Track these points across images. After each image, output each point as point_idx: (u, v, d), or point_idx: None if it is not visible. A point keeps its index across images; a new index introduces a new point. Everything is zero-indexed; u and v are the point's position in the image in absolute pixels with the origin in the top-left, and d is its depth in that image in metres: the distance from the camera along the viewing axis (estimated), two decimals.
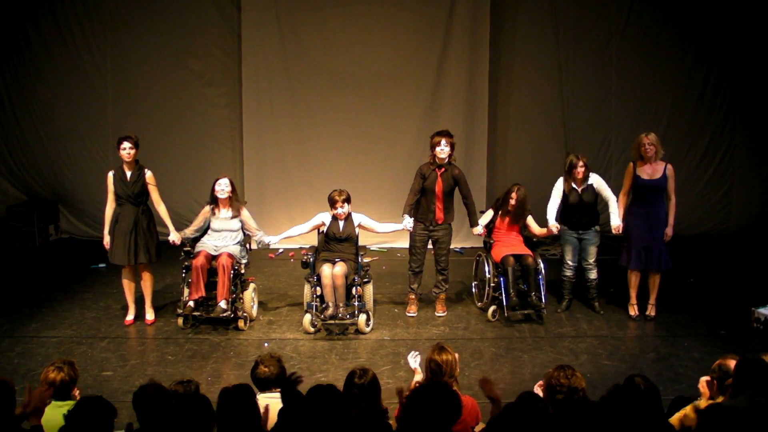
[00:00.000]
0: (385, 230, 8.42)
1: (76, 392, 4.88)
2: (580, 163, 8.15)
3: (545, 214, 8.31)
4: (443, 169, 8.09)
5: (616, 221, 8.13)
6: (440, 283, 8.47)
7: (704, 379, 4.92)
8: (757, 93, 11.50)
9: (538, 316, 8.26)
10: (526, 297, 8.13)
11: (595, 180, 8.26)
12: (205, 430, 3.89)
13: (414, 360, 5.45)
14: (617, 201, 8.17)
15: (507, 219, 8.45)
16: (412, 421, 3.88)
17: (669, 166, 7.99)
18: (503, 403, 4.30)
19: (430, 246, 8.41)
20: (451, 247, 8.58)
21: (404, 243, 9.07)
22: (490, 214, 8.56)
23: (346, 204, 8.01)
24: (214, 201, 8.13)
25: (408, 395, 4.03)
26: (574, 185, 8.22)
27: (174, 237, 8.05)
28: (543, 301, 8.14)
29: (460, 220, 8.98)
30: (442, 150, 8.02)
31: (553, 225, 8.18)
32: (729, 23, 11.29)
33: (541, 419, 3.93)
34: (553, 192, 8.33)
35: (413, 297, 8.49)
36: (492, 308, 8.22)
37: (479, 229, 8.39)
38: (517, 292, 8.08)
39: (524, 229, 8.64)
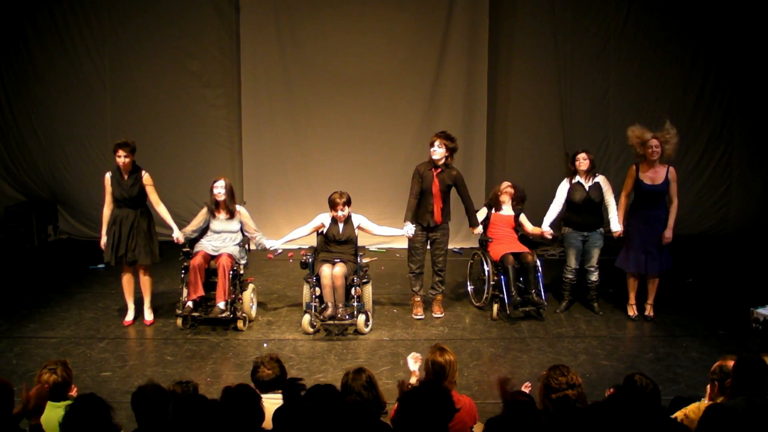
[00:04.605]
0: (384, 233, 8.43)
1: (74, 391, 4.88)
2: (583, 155, 8.17)
3: (545, 215, 8.35)
4: (440, 169, 8.10)
5: (616, 227, 8.17)
6: (437, 284, 8.47)
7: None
8: (755, 93, 11.52)
9: (538, 313, 8.28)
10: (525, 294, 8.16)
11: (603, 181, 8.27)
12: (205, 431, 3.90)
13: (414, 363, 5.38)
14: (618, 201, 8.19)
15: (504, 209, 8.60)
16: (408, 422, 3.88)
17: (671, 170, 7.98)
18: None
19: (428, 248, 8.42)
20: (450, 247, 8.58)
21: (403, 244, 9.07)
22: (484, 211, 8.59)
23: (346, 207, 8.01)
24: (214, 203, 8.12)
25: (402, 396, 4.02)
26: (580, 179, 8.22)
27: (177, 235, 8.00)
28: (543, 297, 8.16)
29: (459, 220, 9.01)
30: (435, 151, 8.05)
31: (547, 231, 8.29)
32: (727, 23, 11.31)
33: (537, 418, 3.93)
34: (557, 194, 8.36)
35: (418, 299, 8.47)
36: (495, 306, 8.23)
37: (480, 229, 8.42)
38: (517, 289, 8.11)
39: (519, 227, 8.68)
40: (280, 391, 4.80)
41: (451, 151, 8.10)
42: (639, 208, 8.07)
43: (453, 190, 8.25)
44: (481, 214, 8.62)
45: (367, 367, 4.73)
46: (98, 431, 3.83)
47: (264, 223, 9.79)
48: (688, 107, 11.65)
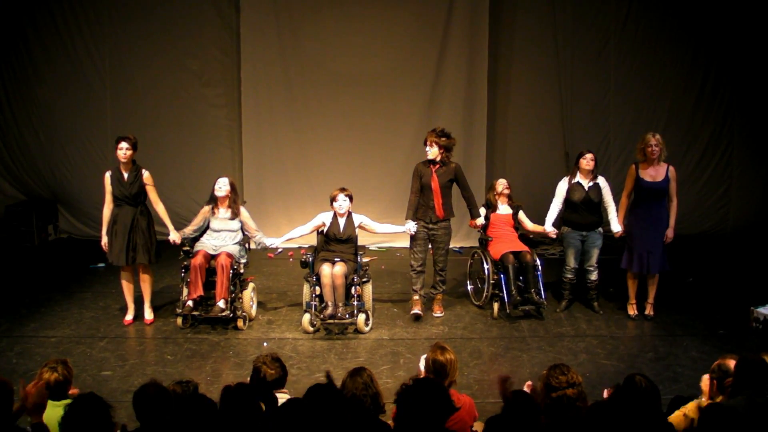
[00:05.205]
0: (385, 231, 8.45)
1: (76, 391, 4.89)
2: (590, 155, 8.19)
3: (545, 214, 8.36)
4: (438, 165, 8.11)
5: (616, 227, 8.18)
6: (437, 284, 8.47)
7: (707, 377, 4.92)
8: (755, 93, 11.52)
9: (538, 312, 8.28)
10: (525, 293, 8.16)
11: (602, 182, 8.28)
12: (205, 430, 3.89)
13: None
14: (619, 202, 8.20)
15: (501, 209, 8.63)
16: (406, 420, 3.88)
17: (671, 168, 7.99)
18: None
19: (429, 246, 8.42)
20: (450, 246, 8.58)
21: (403, 243, 9.08)
22: (482, 212, 8.59)
23: (347, 200, 8.03)
24: (214, 200, 8.14)
25: (399, 394, 4.02)
26: (580, 179, 8.22)
27: (174, 236, 8.04)
28: (543, 296, 8.17)
29: (459, 219, 9.00)
30: (428, 151, 8.07)
31: (552, 231, 8.31)
32: (727, 23, 11.32)
33: (537, 417, 3.94)
34: (556, 192, 8.36)
35: (417, 298, 8.44)
36: (496, 306, 8.24)
37: (481, 220, 8.40)
38: (517, 288, 8.11)
39: (518, 224, 8.69)
40: (280, 390, 4.82)
41: (445, 148, 8.10)
42: (639, 206, 8.07)
43: (454, 186, 8.28)
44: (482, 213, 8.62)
45: (367, 366, 4.73)
46: (97, 430, 3.84)
47: (264, 222, 9.80)
48: (688, 107, 11.67)
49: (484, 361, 7.24)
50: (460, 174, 8.24)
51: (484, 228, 8.66)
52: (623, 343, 7.67)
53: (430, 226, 8.20)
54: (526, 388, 4.68)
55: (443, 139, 8.06)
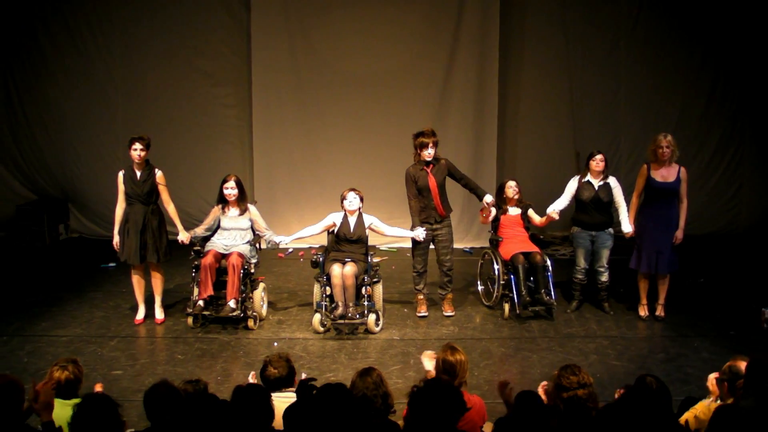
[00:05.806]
0: (395, 234, 8.42)
1: (100, 386, 4.93)
2: (600, 156, 8.17)
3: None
4: (431, 166, 8.11)
5: (627, 227, 8.15)
6: (445, 284, 8.45)
7: (713, 376, 4.90)
8: (765, 94, 11.46)
9: (548, 313, 8.26)
10: (535, 294, 8.14)
11: (613, 182, 8.26)
12: (215, 430, 3.90)
13: (429, 361, 5.36)
14: (630, 202, 8.18)
15: (511, 211, 8.61)
16: (418, 420, 3.88)
17: (682, 169, 7.97)
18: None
19: (431, 246, 8.41)
20: (461, 247, 8.57)
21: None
22: (493, 211, 8.56)
23: (357, 199, 8.03)
24: (223, 200, 8.15)
25: (412, 394, 4.03)
26: (590, 179, 8.21)
27: (182, 236, 8.06)
28: (553, 297, 8.14)
29: (470, 220, 8.98)
30: (429, 154, 8.07)
31: (553, 212, 8.27)
32: (737, 23, 11.28)
33: (546, 418, 3.93)
34: (566, 188, 8.35)
35: (421, 297, 8.47)
36: (506, 306, 8.23)
37: (490, 198, 8.33)
38: (527, 289, 8.09)
39: (528, 222, 8.66)
40: (288, 389, 4.82)
41: (436, 145, 8.17)
42: (650, 206, 8.04)
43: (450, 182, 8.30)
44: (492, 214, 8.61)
45: (377, 366, 4.73)
46: (106, 430, 3.85)
47: (275, 222, 9.80)
48: (698, 107, 11.63)
49: (495, 361, 7.23)
50: (452, 167, 8.27)
51: (495, 228, 8.64)
52: (634, 344, 7.65)
53: (435, 226, 8.20)
54: (540, 388, 4.67)
55: (437, 137, 8.13)
